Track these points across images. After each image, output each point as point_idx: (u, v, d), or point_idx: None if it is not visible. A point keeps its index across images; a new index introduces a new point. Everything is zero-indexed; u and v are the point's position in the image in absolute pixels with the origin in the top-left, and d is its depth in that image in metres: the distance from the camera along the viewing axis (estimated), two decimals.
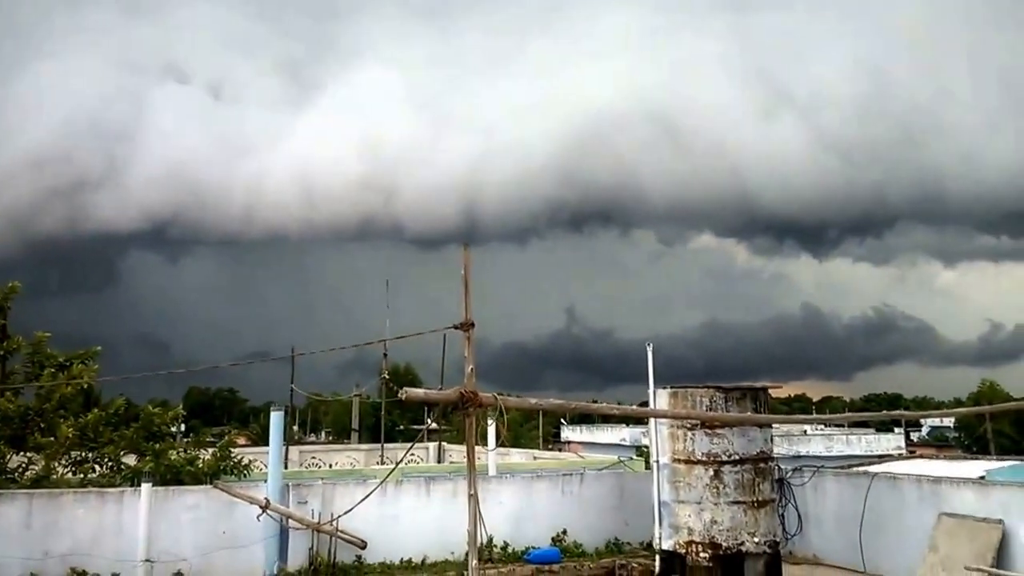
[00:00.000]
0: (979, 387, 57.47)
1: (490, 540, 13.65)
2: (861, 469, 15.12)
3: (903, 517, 12.99)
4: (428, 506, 14.06)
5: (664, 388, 12.75)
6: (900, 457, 38.88)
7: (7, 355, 16.08)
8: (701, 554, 12.20)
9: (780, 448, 27.07)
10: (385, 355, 20.19)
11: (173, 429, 17.93)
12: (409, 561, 13.74)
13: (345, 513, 11.86)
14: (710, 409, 12.20)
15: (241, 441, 34.75)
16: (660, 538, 12.84)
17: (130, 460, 15.47)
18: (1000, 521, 11.61)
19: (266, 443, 14.95)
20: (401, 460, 14.19)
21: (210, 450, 16.25)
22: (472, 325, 7.17)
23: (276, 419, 13.22)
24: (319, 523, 13.21)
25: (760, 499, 12.44)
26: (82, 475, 14.99)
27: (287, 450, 21.15)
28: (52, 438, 14.72)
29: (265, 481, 13.47)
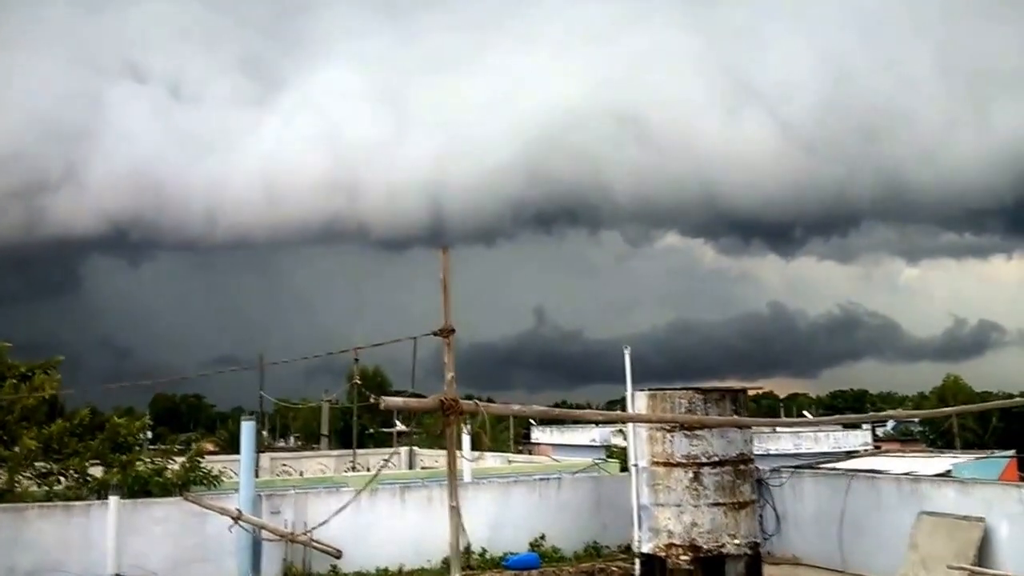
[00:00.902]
0: (943, 382, 58.25)
1: (468, 547, 13.46)
2: (840, 468, 15.13)
3: (883, 516, 12.97)
4: (403, 514, 13.83)
5: (643, 390, 12.63)
6: (867, 453, 39.24)
7: None
8: (681, 557, 12.09)
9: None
10: (356, 360, 19.85)
11: (141, 437, 17.56)
12: (385, 570, 13.51)
13: (321, 524, 11.60)
14: (689, 411, 12.09)
15: (209, 447, 34.29)
16: (639, 541, 12.72)
17: (97, 471, 15.10)
18: (981, 519, 11.62)
19: (234, 449, 14.66)
20: (378, 472, 13.97)
21: (179, 460, 15.91)
22: (452, 331, 6.97)
23: (248, 428, 12.92)
24: (293, 533, 12.93)
25: (740, 501, 12.35)
26: (47, 488, 14.60)
27: (258, 458, 20.80)
28: (15, 450, 14.32)
29: (237, 491, 13.16)
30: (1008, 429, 50.49)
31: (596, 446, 48.49)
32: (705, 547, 12.07)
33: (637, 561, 12.85)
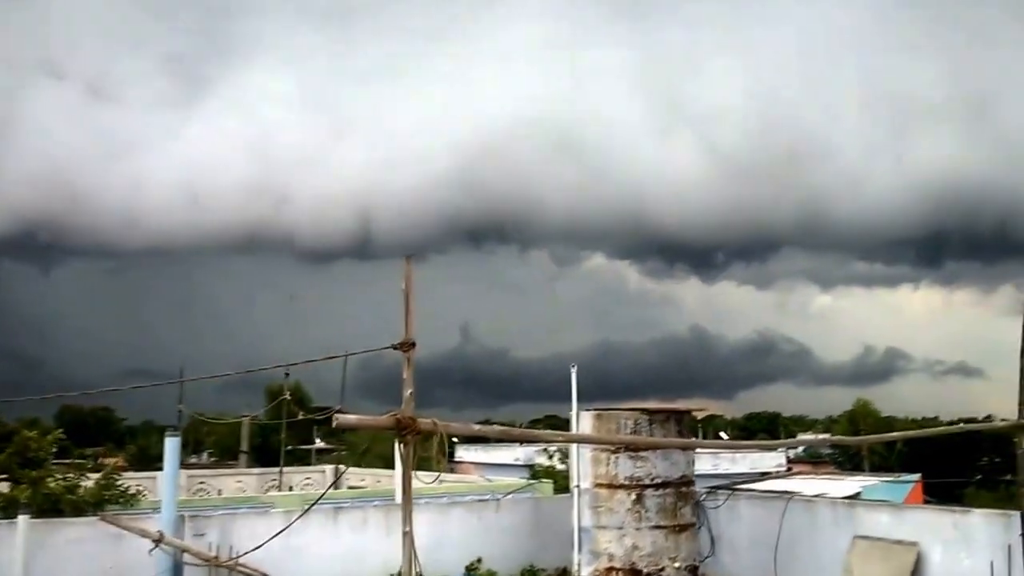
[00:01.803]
0: (854, 406, 59.87)
1: (419, 573, 12.99)
2: (776, 491, 15.17)
3: (817, 540, 12.98)
4: (336, 536, 13.28)
5: (588, 410, 12.45)
6: (779, 475, 39.93)
7: None
8: None
9: None
10: (287, 375, 19.26)
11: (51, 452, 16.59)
12: None
13: (255, 549, 11.03)
14: (635, 432, 11.97)
15: (117, 462, 32.86)
16: (579, 564, 12.49)
17: (2, 488, 14.21)
18: (915, 543, 11.72)
19: (144, 466, 13.94)
20: (327, 490, 13.40)
21: (93, 476, 15.08)
22: (413, 344, 6.64)
23: (172, 445, 12.25)
24: (217, 557, 12.29)
25: (681, 523, 12.28)
26: None
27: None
28: None
29: (157, 511, 12.46)
30: (912, 452, 52.18)
31: (520, 465, 48.35)
32: (645, 570, 11.93)
33: None
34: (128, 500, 14.52)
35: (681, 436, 12.38)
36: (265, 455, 44.61)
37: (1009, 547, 10.52)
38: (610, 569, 12.03)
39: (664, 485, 12.09)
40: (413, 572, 6.84)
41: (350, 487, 21.05)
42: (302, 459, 39.89)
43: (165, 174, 77.80)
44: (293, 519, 12.50)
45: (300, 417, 19.59)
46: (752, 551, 13.92)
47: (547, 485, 18.28)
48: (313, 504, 11.90)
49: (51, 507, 13.51)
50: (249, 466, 31.29)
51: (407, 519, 6.78)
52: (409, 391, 6.61)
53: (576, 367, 12.72)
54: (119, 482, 14.86)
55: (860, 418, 59.19)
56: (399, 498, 15.82)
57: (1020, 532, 10.44)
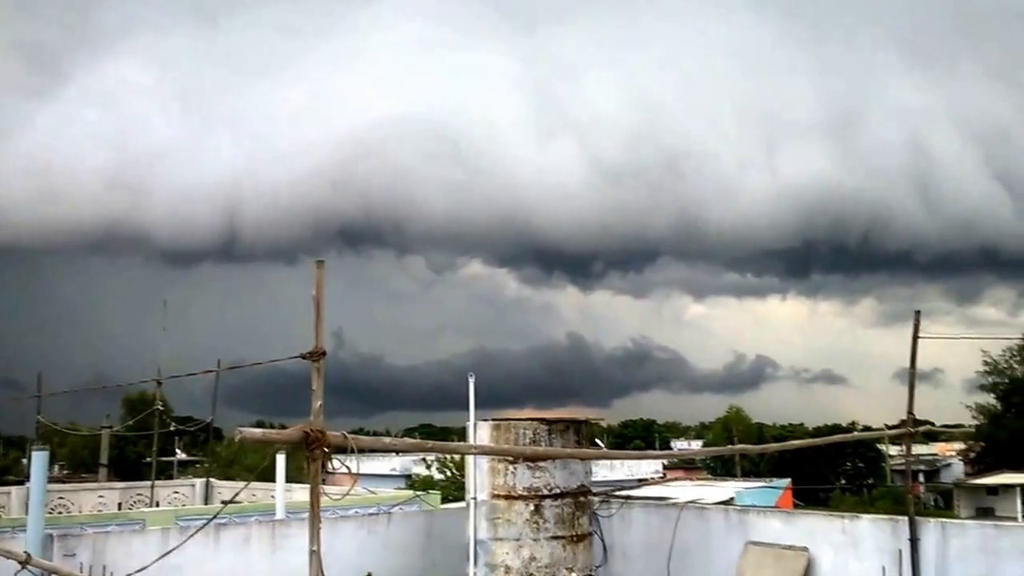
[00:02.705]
0: (726, 412, 61.94)
1: None
2: (669, 499, 15.26)
3: (711, 547, 13.09)
4: (216, 555, 12.48)
5: (486, 420, 12.15)
6: (656, 482, 40.72)
7: None
8: None
9: None
10: (159, 384, 18.20)
11: None
12: None
13: (140, 571, 10.18)
14: (533, 442, 11.74)
15: None
16: None
17: None
18: (805, 548, 11.96)
19: None
20: (227, 504, 12.53)
21: None
22: (323, 353, 6.19)
23: (39, 460, 11.27)
24: None
25: (579, 533, 12.12)
26: None
27: (28, 491, 18.50)
28: None
29: (21, 529, 11.44)
30: (781, 458, 54.37)
31: (396, 475, 47.65)
32: None
33: None
34: None
35: (580, 445, 12.24)
36: (123, 468, 42.29)
37: (900, 552, 10.84)
38: None
39: (562, 495, 11.91)
40: None
41: (222, 502, 20.03)
42: (163, 472, 38.04)
43: (15, 163, 73.02)
44: (168, 535, 11.75)
45: (172, 428, 18.52)
46: (645, 559, 13.92)
47: (435, 497, 17.87)
48: (212, 519, 11.20)
49: None
50: (108, 480, 29.53)
51: (314, 537, 6.30)
52: (319, 402, 6.15)
53: (474, 376, 12.39)
54: None
55: (732, 424, 61.26)
56: (280, 513, 15.17)
57: (908, 537, 10.77)
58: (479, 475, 12.15)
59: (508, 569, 11.78)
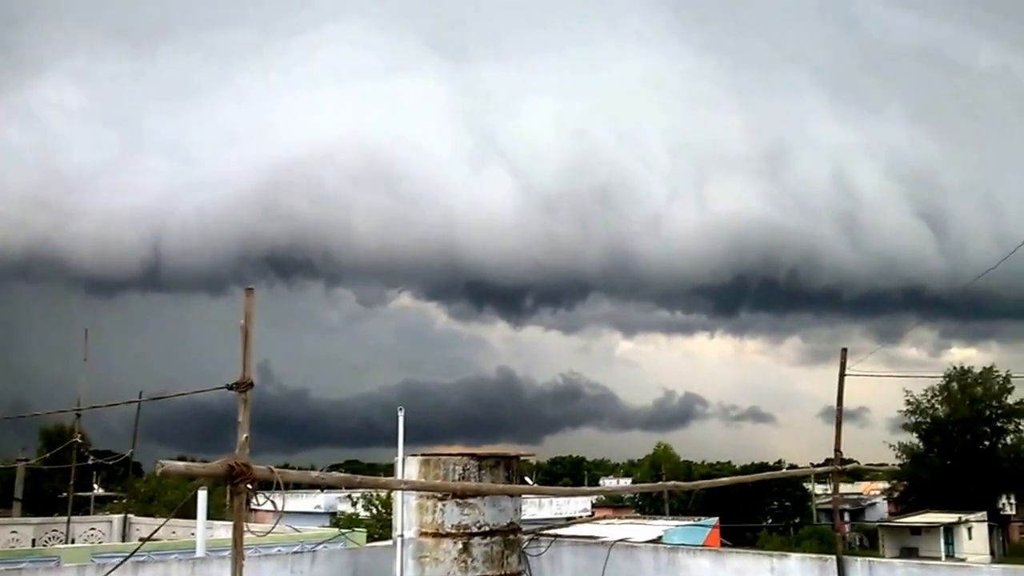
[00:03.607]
0: (655, 450, 62.23)
1: None
2: (599, 538, 15.15)
3: None
4: None
5: (415, 455, 11.90)
6: (584, 519, 40.62)
7: None
8: None
9: None
10: (79, 415, 17.54)
11: None
12: None
13: None
14: (463, 478, 11.53)
15: None
16: None
17: None
18: None
19: None
20: (145, 541, 11.99)
21: None
22: (251, 384, 5.99)
23: None
24: None
25: (508, 572, 11.90)
26: None
27: None
28: None
29: None
30: (708, 496, 54.79)
31: (321, 513, 46.69)
32: None
33: None
34: None
35: (510, 481, 12.07)
36: (38, 503, 40.65)
37: None
38: None
39: (492, 533, 11.71)
40: None
41: (140, 538, 19.31)
42: (80, 507, 36.67)
43: None
44: (86, 574, 11.25)
45: (91, 462, 17.82)
46: None
47: (360, 535, 17.48)
48: (129, 556, 10.71)
49: None
50: (22, 515, 28.35)
51: (237, 573, 6.05)
52: (244, 435, 5.94)
53: (404, 410, 12.16)
54: None
55: (661, 462, 61.54)
56: (201, 551, 14.66)
57: None
58: (406, 512, 11.89)
59: None
